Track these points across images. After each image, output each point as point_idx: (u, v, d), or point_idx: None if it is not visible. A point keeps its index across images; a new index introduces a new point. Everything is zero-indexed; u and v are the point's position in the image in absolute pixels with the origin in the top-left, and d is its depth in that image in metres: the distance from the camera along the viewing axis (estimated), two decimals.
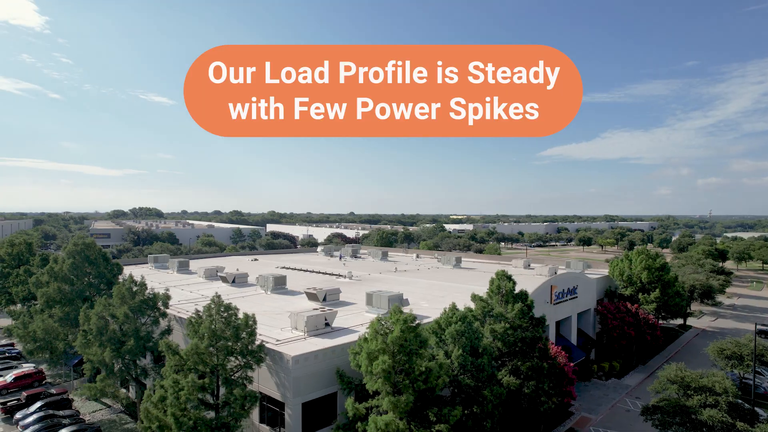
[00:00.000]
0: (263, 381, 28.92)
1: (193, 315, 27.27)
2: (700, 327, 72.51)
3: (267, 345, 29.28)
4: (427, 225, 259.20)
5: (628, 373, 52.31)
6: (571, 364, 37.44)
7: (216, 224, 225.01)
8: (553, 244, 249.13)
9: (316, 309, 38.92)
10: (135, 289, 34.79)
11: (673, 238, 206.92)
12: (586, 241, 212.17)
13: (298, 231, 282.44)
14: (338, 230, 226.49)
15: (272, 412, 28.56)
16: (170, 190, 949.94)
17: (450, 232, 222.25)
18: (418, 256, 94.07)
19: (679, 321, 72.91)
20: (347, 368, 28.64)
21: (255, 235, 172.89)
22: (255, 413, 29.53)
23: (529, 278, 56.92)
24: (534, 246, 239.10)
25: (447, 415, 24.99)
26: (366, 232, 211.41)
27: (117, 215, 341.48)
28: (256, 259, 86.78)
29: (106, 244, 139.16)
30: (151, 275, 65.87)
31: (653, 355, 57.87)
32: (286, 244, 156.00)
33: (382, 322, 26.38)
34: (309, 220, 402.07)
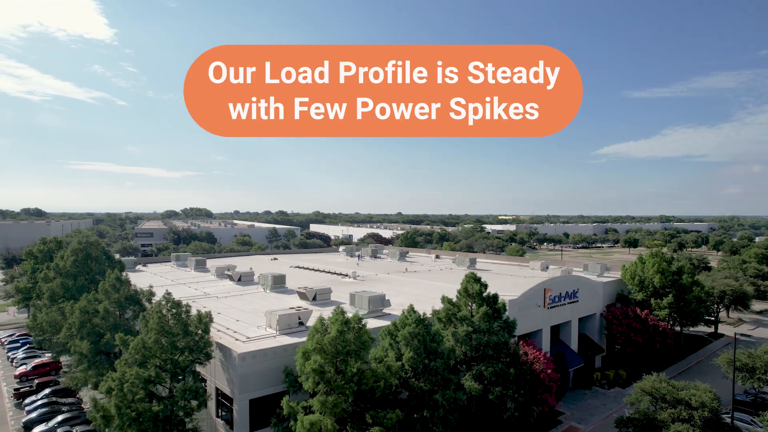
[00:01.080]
0: (218, 377, 29.74)
1: (147, 311, 28.43)
2: (734, 335, 67.35)
3: (221, 341, 30.08)
4: (468, 225, 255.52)
5: (635, 381, 49.39)
6: (550, 371, 35.84)
7: (258, 224, 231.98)
8: (599, 245, 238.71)
9: (293, 308, 39.43)
10: (118, 285, 36.57)
11: (734, 240, 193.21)
12: (633, 243, 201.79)
13: (338, 231, 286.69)
14: (376, 230, 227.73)
15: (225, 407, 29.30)
16: (224, 190, 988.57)
17: (489, 232, 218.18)
18: (437, 257, 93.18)
19: (706, 328, 68.13)
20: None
21: (290, 234, 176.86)
22: (213, 408, 30.41)
23: (536, 281, 54.98)
24: (578, 247, 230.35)
25: (382, 418, 24.71)
26: (402, 232, 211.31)
27: (169, 215, 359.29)
28: (275, 258, 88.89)
29: (148, 243, 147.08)
30: (169, 273, 69.02)
31: (669, 365, 54.43)
32: (319, 244, 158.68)
33: (323, 322, 26.45)
34: (352, 220, 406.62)
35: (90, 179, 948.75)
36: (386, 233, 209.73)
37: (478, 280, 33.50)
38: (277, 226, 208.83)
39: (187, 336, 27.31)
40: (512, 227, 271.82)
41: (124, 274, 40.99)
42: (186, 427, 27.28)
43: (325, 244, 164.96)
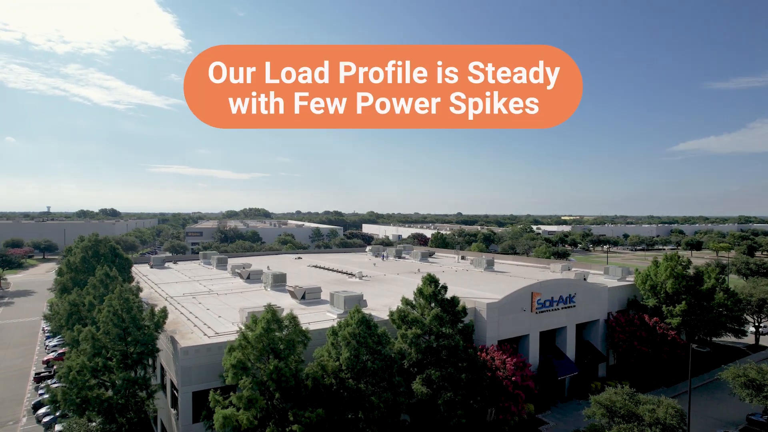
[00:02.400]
0: (170, 369, 31.25)
1: (101, 306, 30.41)
2: None
3: (178, 336, 31.56)
4: (519, 226, 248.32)
5: (643, 393, 46.17)
6: (515, 378, 34.39)
7: (307, 224, 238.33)
8: (660, 247, 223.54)
9: (265, 306, 40.41)
10: (107, 281, 39.28)
11: None
12: (696, 245, 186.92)
13: (389, 231, 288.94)
14: (421, 231, 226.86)
15: (176, 398, 30.72)
16: (290, 191, 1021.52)
17: (539, 233, 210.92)
18: (463, 258, 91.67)
19: (746, 339, 62.16)
20: None
21: (332, 234, 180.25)
22: (169, 399, 31.98)
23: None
24: (637, 249, 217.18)
25: (301, 416, 24.98)
26: (448, 232, 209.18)
27: (229, 215, 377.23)
28: (299, 258, 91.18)
29: (196, 241, 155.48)
30: (191, 270, 72.78)
31: (686, 377, 50.26)
32: (359, 243, 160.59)
33: (255, 319, 27.09)
34: (406, 220, 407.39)
35: (167, 181, 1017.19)
36: (429, 233, 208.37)
37: (433, 281, 32.91)
38: (322, 225, 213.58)
39: (138, 330, 28.92)
40: (567, 228, 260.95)
41: (133, 268, 43.94)
42: (138, 414, 28.93)
43: (365, 243, 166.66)
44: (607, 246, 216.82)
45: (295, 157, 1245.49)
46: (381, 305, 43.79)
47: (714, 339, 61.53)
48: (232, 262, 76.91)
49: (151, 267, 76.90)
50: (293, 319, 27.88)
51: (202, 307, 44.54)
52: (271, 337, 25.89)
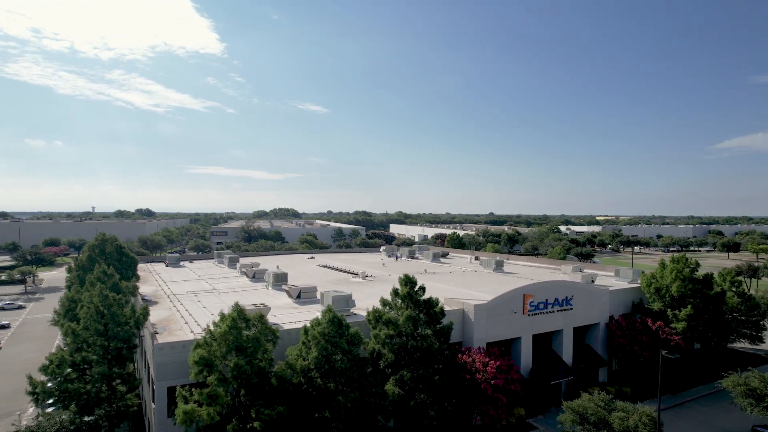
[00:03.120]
0: (151, 364, 32.16)
1: (80, 303, 31.58)
2: None
3: (159, 333, 32.49)
4: (545, 226, 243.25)
5: (642, 401, 44.59)
6: (495, 381, 33.75)
7: (333, 224, 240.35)
8: (695, 249, 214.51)
9: (255, 305, 41.11)
10: (104, 278, 40.74)
11: None
12: (733, 247, 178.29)
13: (415, 231, 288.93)
14: (445, 231, 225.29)
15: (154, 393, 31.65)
16: (323, 191, 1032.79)
17: (565, 234, 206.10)
18: (476, 258, 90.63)
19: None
20: None
21: (354, 234, 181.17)
22: (150, 393, 32.93)
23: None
24: (671, 251, 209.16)
25: (262, 413, 25.31)
26: (472, 233, 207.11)
27: (259, 215, 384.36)
28: (312, 257, 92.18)
29: (220, 241, 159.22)
30: (203, 269, 74.67)
31: (696, 384, 48.25)
32: (380, 243, 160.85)
33: (224, 317, 27.60)
34: (434, 220, 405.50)
35: (204, 182, 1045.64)
36: (450, 232, 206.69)
37: (409, 281, 32.69)
38: (346, 226, 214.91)
39: (117, 327, 29.95)
40: (597, 228, 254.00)
41: (149, 266, 45.44)
42: (117, 407, 29.92)
43: (386, 243, 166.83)
44: (638, 247, 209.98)
45: (329, 157, 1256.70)
46: (371, 305, 43.76)
47: (730, 345, 58.75)
48: (243, 261, 78.48)
49: (167, 266, 79.29)
50: (261, 318, 28.29)
51: (200, 305, 45.68)
52: (236, 335, 26.33)
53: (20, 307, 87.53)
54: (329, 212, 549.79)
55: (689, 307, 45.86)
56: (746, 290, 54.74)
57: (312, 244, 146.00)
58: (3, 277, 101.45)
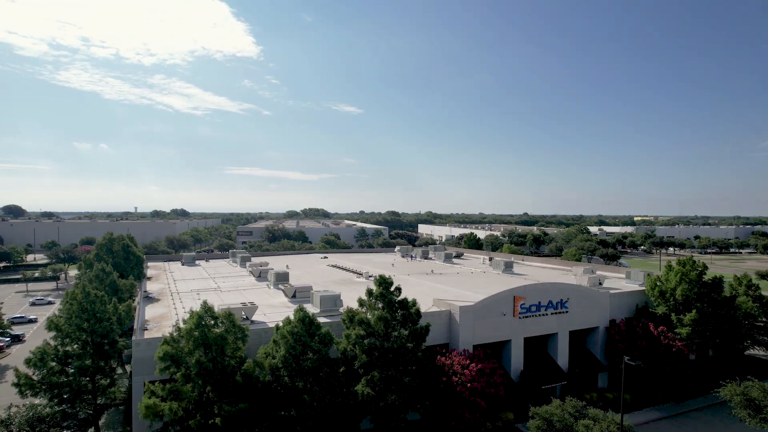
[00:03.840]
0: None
1: (68, 299, 32.92)
2: None
3: (153, 330, 33.54)
4: (574, 227, 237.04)
5: (641, 408, 42.98)
6: (471, 384, 33.15)
7: (360, 224, 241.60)
8: (734, 250, 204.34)
9: (244, 303, 41.87)
10: (103, 276, 42.40)
11: None
12: None
13: (442, 231, 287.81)
14: (470, 231, 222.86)
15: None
16: (356, 191, 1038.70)
17: (595, 234, 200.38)
18: (490, 259, 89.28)
19: None
20: None
21: (377, 234, 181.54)
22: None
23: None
24: (709, 252, 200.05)
25: (223, 409, 25.79)
26: (497, 233, 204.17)
27: (290, 215, 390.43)
28: (325, 257, 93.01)
29: (245, 240, 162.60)
30: (215, 267, 76.50)
31: (705, 393, 46.02)
32: (403, 243, 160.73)
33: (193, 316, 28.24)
34: (464, 220, 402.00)
35: (240, 183, 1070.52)
36: (481, 233, 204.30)
37: (383, 282, 32.56)
38: (370, 226, 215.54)
39: (99, 323, 31.14)
40: (630, 229, 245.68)
41: (145, 265, 47.02)
42: (104, 398, 31.15)
43: (409, 243, 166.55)
44: (673, 248, 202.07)
45: (362, 158, 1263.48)
46: None
47: (748, 352, 55.75)
48: (255, 260, 79.94)
49: (183, 264, 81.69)
50: (229, 316, 28.83)
51: (198, 303, 46.81)
52: (202, 333, 26.90)
53: (50, 303, 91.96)
54: (362, 212, 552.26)
55: (694, 311, 43.79)
56: (762, 294, 51.72)
57: (334, 244, 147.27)
58: (37, 274, 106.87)
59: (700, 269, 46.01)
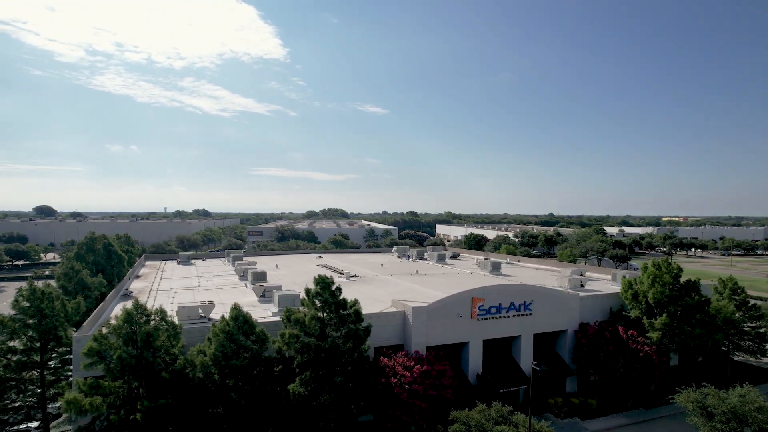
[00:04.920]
0: None
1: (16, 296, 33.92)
2: None
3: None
4: (587, 228, 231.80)
5: (607, 414, 41.71)
6: (409, 386, 32.72)
7: (374, 224, 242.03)
8: (762, 252, 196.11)
9: (203, 302, 42.39)
10: (72, 274, 43.60)
11: None
12: None
13: (458, 232, 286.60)
14: (483, 231, 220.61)
15: None
16: (379, 191, 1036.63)
17: (611, 236, 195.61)
18: (486, 259, 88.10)
19: None
20: None
21: (386, 234, 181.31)
22: None
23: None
24: (735, 254, 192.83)
25: (143, 405, 26.20)
26: (511, 234, 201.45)
27: (309, 215, 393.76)
28: (320, 257, 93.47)
29: (255, 240, 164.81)
30: (206, 267, 77.84)
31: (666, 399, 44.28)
32: (411, 243, 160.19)
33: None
34: (481, 221, 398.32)
35: (266, 183, 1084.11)
36: (491, 234, 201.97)
37: (320, 282, 32.46)
38: (382, 225, 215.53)
39: (44, 320, 32.04)
40: (650, 230, 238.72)
41: (141, 263, 47.86)
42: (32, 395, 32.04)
43: (418, 243, 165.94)
44: (695, 250, 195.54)
45: (387, 158, 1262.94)
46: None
47: (738, 358, 53.47)
48: (247, 260, 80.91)
49: (178, 263, 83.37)
50: (161, 312, 29.26)
51: (170, 301, 47.72)
52: (128, 329, 27.39)
53: None
54: (384, 212, 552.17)
55: (665, 315, 42.26)
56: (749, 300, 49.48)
57: (341, 244, 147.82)
58: (47, 272, 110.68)
59: (674, 271, 44.40)
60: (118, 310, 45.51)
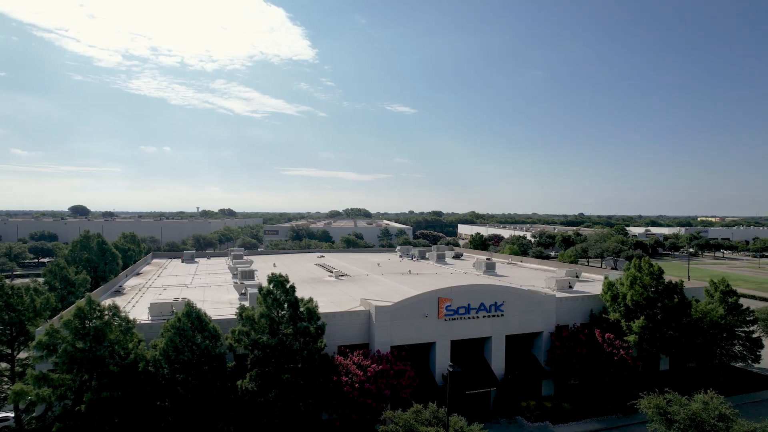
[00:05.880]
0: None
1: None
2: None
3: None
4: (616, 226, 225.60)
5: (580, 419, 40.67)
6: (358, 385, 32.71)
7: (392, 224, 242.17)
8: None
9: (176, 298, 43.47)
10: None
11: None
12: None
13: (480, 231, 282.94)
14: (500, 231, 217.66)
15: None
16: (409, 191, 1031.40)
17: (633, 236, 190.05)
18: (488, 259, 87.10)
19: None
20: None
21: (400, 234, 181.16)
22: None
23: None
24: (765, 255, 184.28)
25: (87, 397, 27.16)
26: (526, 233, 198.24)
27: (332, 215, 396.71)
28: (322, 256, 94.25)
29: (271, 239, 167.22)
30: (206, 265, 79.61)
31: None
32: (424, 243, 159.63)
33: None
34: (505, 221, 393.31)
35: (296, 183, 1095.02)
36: (507, 233, 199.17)
37: (273, 280, 32.85)
38: (398, 225, 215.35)
39: (12, 313, 33.52)
40: (677, 230, 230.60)
41: (157, 261, 49.18)
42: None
43: (431, 243, 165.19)
44: (723, 251, 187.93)
45: (415, 158, 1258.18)
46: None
47: (740, 364, 51.22)
48: (248, 258, 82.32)
49: (182, 261, 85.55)
50: (114, 308, 30.19)
51: (156, 298, 49.06)
52: (78, 324, 28.38)
53: None
54: (411, 212, 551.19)
55: (642, 318, 40.91)
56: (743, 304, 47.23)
57: (354, 244, 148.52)
58: None
59: (655, 272, 42.94)
60: (104, 305, 47.27)
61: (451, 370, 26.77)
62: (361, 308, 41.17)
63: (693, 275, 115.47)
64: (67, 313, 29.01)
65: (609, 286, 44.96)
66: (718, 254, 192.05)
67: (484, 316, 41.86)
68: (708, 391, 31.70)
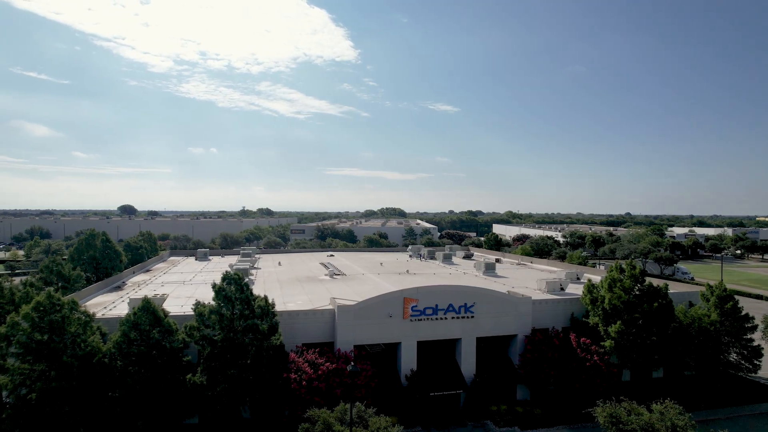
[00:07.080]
0: None
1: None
2: None
3: None
4: (653, 226, 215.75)
5: (551, 426, 39.34)
6: (305, 382, 32.96)
7: (424, 223, 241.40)
8: None
9: (157, 294, 45.12)
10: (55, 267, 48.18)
11: None
12: None
13: (512, 232, 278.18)
14: (530, 231, 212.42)
15: None
16: (451, 191, 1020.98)
17: (672, 237, 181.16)
18: (497, 260, 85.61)
19: None
20: None
21: (425, 233, 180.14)
22: None
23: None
24: None
25: (36, 386, 28.78)
26: (556, 233, 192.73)
27: (368, 215, 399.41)
28: (331, 255, 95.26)
29: (297, 238, 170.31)
30: (216, 263, 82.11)
31: None
32: (449, 243, 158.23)
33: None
34: (542, 220, 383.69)
35: (339, 183, 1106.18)
36: (534, 233, 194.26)
37: (226, 278, 33.66)
38: (426, 225, 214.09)
39: None
40: (723, 231, 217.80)
41: (172, 258, 51.98)
42: None
43: (456, 242, 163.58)
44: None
45: (457, 157, 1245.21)
46: (295, 302, 45.08)
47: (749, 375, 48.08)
48: (257, 257, 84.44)
49: (196, 259, 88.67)
50: (73, 303, 31.80)
51: (151, 294, 51.18)
52: (36, 317, 30.12)
53: None
54: (451, 211, 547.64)
55: (619, 322, 39.16)
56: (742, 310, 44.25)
57: (377, 243, 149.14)
58: None
59: (636, 275, 40.99)
60: (97, 299, 49.82)
61: (354, 370, 26.55)
62: (330, 307, 41.47)
63: (727, 279, 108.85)
64: (26, 306, 30.78)
65: (590, 288, 43.28)
66: (767, 257, 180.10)
67: (453, 318, 41.23)
68: (666, 401, 30.20)
